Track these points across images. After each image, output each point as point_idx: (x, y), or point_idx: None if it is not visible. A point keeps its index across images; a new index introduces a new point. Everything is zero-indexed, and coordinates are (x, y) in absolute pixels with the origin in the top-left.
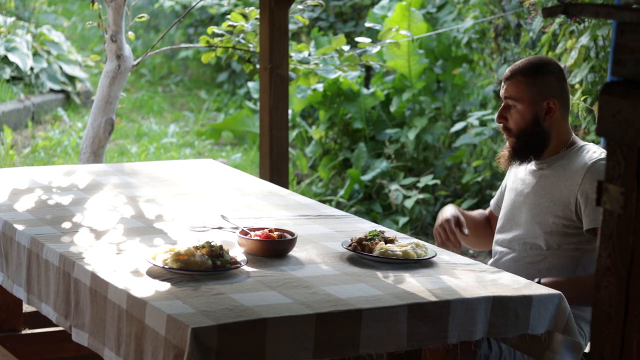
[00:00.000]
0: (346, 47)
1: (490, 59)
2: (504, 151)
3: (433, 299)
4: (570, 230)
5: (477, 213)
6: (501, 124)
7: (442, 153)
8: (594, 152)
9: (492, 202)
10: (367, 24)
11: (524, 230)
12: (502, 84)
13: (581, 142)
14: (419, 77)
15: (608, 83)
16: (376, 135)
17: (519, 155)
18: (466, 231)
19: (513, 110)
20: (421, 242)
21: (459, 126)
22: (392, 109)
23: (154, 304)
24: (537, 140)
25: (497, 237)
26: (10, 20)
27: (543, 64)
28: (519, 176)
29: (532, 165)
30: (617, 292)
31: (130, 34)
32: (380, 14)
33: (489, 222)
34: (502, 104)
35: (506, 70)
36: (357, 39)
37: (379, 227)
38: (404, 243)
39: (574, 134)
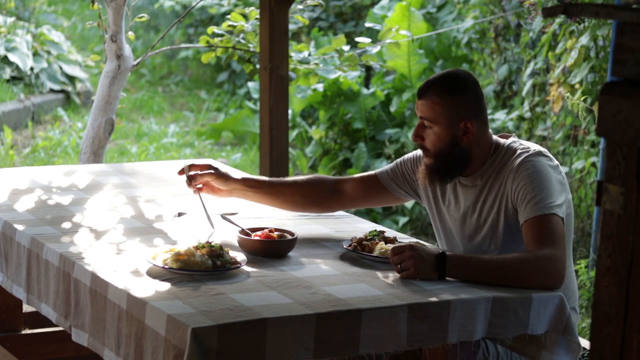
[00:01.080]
0: (346, 47)
1: (490, 59)
2: (422, 167)
3: (433, 299)
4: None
5: (301, 179)
6: (417, 143)
7: None
8: (518, 150)
9: (381, 171)
10: (367, 24)
11: (478, 247)
12: (417, 100)
13: (501, 141)
14: (419, 77)
15: (608, 83)
16: (376, 135)
17: (439, 175)
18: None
19: (429, 131)
20: (421, 242)
21: None
22: (392, 109)
23: (154, 304)
24: (456, 160)
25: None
26: (10, 20)
27: (458, 82)
28: (447, 195)
29: (460, 182)
30: (617, 292)
31: (130, 34)
32: (380, 14)
33: (332, 185)
34: (418, 122)
35: (421, 85)
36: (357, 39)
37: (379, 227)
38: (403, 243)
39: (492, 136)
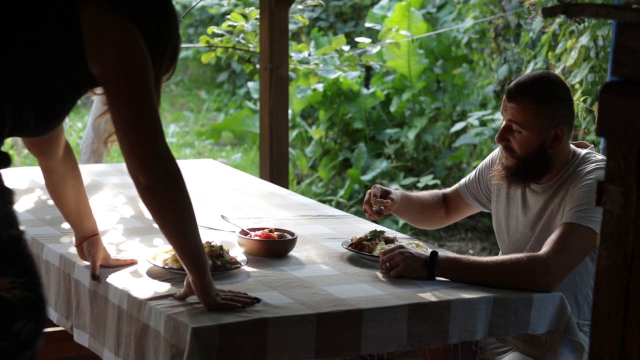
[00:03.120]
0: (346, 47)
1: (490, 59)
2: (499, 167)
3: (434, 299)
4: None
5: (427, 193)
6: (502, 145)
7: (442, 153)
8: (590, 162)
9: (462, 183)
10: (367, 24)
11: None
12: (506, 101)
13: (577, 150)
14: (419, 77)
15: (608, 83)
16: (376, 135)
17: (518, 178)
18: (383, 208)
19: (517, 135)
20: (421, 243)
21: (458, 126)
22: (392, 109)
23: (154, 304)
24: (540, 166)
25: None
26: None
27: (553, 88)
28: (516, 199)
29: (532, 188)
30: (617, 292)
31: None
32: (380, 14)
33: (443, 202)
34: (504, 124)
35: (511, 86)
36: (357, 39)
37: (379, 227)
38: (404, 243)
39: (571, 144)
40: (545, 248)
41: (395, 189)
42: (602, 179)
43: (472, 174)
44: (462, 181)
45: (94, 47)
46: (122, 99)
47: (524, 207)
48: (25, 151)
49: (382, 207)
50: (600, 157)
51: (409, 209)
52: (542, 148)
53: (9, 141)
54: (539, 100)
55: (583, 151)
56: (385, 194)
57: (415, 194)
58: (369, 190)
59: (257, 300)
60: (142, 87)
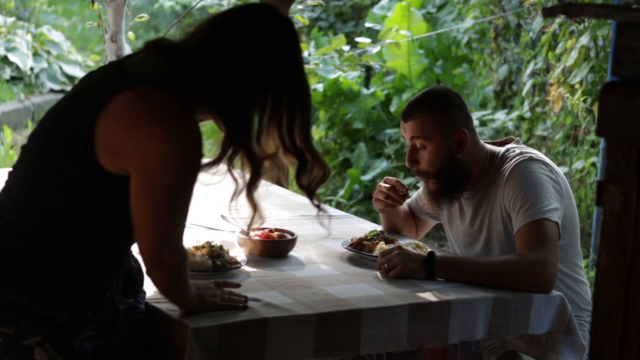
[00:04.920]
0: (346, 47)
1: (490, 59)
2: (425, 196)
3: (434, 299)
4: None
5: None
6: (414, 170)
7: None
8: (510, 157)
9: (412, 200)
10: (367, 24)
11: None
12: (403, 123)
13: (496, 150)
14: (419, 77)
15: (608, 83)
16: (376, 135)
17: (445, 195)
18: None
19: (423, 152)
20: (421, 243)
21: None
22: (392, 109)
23: (154, 304)
24: (457, 174)
25: None
26: (10, 20)
27: (443, 96)
28: (455, 211)
29: (464, 195)
30: (617, 292)
31: (130, 34)
32: (380, 14)
33: (411, 214)
34: (409, 146)
35: (404, 108)
36: (357, 39)
37: (379, 227)
38: (404, 243)
39: (486, 145)
40: (527, 250)
41: None
42: (526, 166)
43: (419, 191)
44: (412, 199)
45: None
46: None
47: (462, 215)
48: None
49: (404, 187)
50: (518, 150)
51: (396, 214)
52: (451, 156)
53: (8, 141)
54: (433, 110)
55: (502, 149)
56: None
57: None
58: (381, 183)
59: (246, 298)
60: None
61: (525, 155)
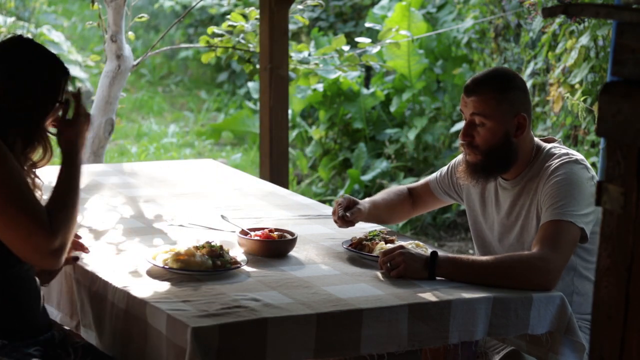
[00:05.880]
0: (346, 47)
1: (490, 59)
2: (462, 166)
3: (434, 299)
4: None
5: (392, 192)
6: (465, 142)
7: (442, 153)
8: (556, 156)
9: (432, 178)
10: (367, 24)
11: (509, 250)
12: (465, 97)
13: (542, 145)
14: (419, 77)
15: (608, 83)
16: (376, 135)
17: (485, 172)
18: (348, 215)
19: (481, 128)
20: (421, 243)
21: (459, 126)
22: (392, 109)
23: (154, 304)
24: (506, 157)
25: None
26: (10, 20)
27: (510, 79)
28: (489, 198)
29: (502, 185)
30: (617, 292)
31: (130, 34)
32: (380, 14)
33: (409, 197)
34: (467, 121)
35: (468, 82)
36: (357, 39)
37: (379, 227)
38: (404, 243)
39: (535, 138)
40: (537, 247)
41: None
42: (569, 167)
43: (443, 169)
44: (433, 176)
45: None
46: None
47: (497, 205)
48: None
49: (347, 214)
50: (564, 150)
51: (376, 214)
52: (507, 138)
53: None
54: (498, 90)
55: (548, 145)
56: (353, 204)
57: (380, 196)
58: (335, 200)
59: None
60: None
61: (572, 157)
